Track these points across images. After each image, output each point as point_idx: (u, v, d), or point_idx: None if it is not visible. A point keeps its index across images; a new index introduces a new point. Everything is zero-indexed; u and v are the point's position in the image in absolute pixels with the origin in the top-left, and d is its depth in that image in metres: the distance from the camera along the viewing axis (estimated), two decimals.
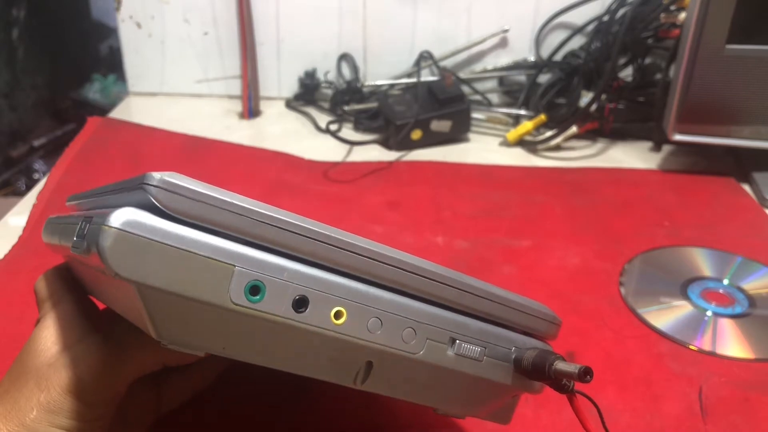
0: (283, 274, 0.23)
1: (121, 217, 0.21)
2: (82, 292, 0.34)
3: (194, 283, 0.22)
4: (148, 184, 0.22)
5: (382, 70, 0.95)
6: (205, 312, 0.23)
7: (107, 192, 0.26)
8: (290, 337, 0.24)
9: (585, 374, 0.27)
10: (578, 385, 0.29)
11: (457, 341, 0.28)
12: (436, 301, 0.28)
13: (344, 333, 0.25)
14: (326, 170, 0.76)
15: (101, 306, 0.34)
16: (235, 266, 0.23)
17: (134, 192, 0.23)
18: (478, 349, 0.28)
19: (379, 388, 0.27)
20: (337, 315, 0.25)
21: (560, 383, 0.29)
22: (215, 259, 0.22)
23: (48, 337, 0.31)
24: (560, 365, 0.28)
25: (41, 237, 0.35)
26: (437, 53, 0.92)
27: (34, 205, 0.66)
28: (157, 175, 0.22)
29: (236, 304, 0.23)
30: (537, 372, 0.29)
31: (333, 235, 0.25)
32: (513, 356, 0.30)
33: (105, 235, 0.21)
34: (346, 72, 0.95)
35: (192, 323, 0.23)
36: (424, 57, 0.92)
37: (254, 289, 0.23)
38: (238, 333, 0.24)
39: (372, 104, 0.89)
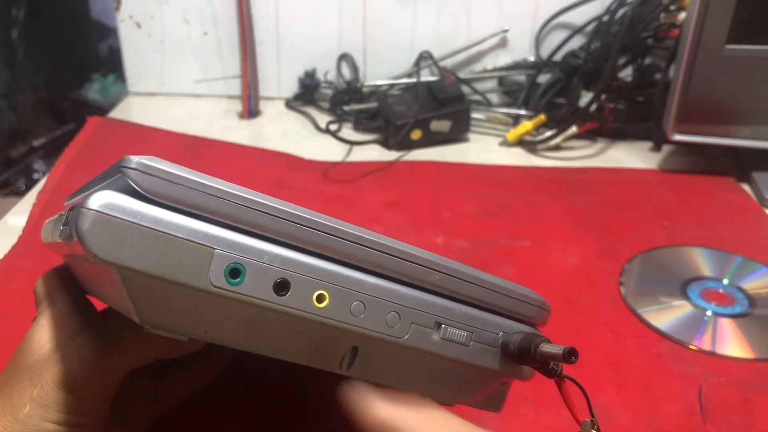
0: (264, 258, 0.23)
1: (99, 199, 0.21)
2: (79, 292, 0.34)
3: (173, 266, 0.22)
4: (127, 167, 0.22)
5: (382, 70, 0.95)
6: (186, 295, 0.23)
7: (94, 182, 0.26)
8: (272, 320, 0.24)
9: (570, 355, 0.26)
10: (566, 370, 0.29)
11: (443, 326, 0.27)
12: (422, 286, 0.27)
13: (327, 316, 0.24)
14: (326, 170, 0.76)
15: (100, 306, 0.34)
16: (214, 249, 0.22)
17: (115, 177, 0.23)
18: (465, 333, 0.28)
19: (365, 374, 0.27)
20: (320, 298, 0.24)
21: (548, 367, 0.28)
22: (194, 242, 0.22)
23: (42, 336, 0.31)
24: (546, 347, 0.27)
25: (40, 237, 0.35)
26: (437, 53, 0.92)
27: (34, 205, 0.66)
28: (135, 158, 0.22)
29: (216, 287, 0.22)
30: (523, 355, 0.28)
31: (314, 219, 0.25)
32: (500, 341, 0.29)
33: (83, 217, 0.21)
34: (346, 72, 0.95)
35: (173, 307, 0.23)
36: (424, 57, 0.92)
37: (234, 272, 0.23)
38: (220, 317, 0.24)
39: (372, 104, 0.89)
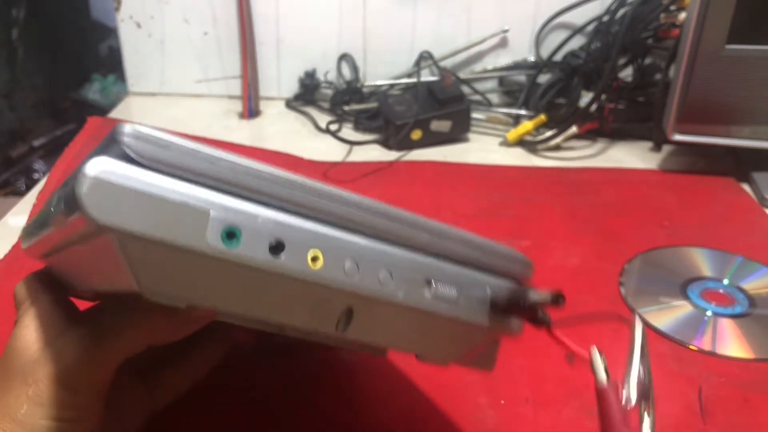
0: (258, 220, 0.24)
1: (96, 165, 0.21)
2: (61, 292, 0.34)
3: (171, 229, 0.22)
4: (121, 134, 0.22)
5: (382, 70, 0.95)
6: (184, 259, 0.23)
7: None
8: (269, 282, 0.25)
9: (558, 298, 0.28)
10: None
11: (433, 283, 0.28)
12: (412, 245, 0.28)
13: (321, 276, 0.25)
14: (326, 170, 0.76)
15: (83, 306, 0.34)
16: (210, 211, 0.23)
17: (108, 146, 0.23)
18: (455, 289, 0.29)
19: (361, 334, 0.28)
20: (314, 259, 0.25)
21: (537, 317, 0.30)
22: (191, 205, 0.23)
23: (28, 336, 0.31)
24: (534, 295, 0.29)
25: None
26: (437, 53, 0.92)
27: (34, 205, 0.66)
28: (128, 126, 0.22)
29: (213, 249, 0.23)
30: (513, 305, 0.30)
31: (307, 182, 0.25)
32: (489, 296, 0.30)
33: (81, 183, 0.21)
34: (346, 72, 0.95)
35: (172, 271, 0.23)
36: (424, 57, 0.92)
37: (230, 234, 0.23)
38: (218, 280, 0.24)
39: (372, 104, 0.89)
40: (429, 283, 0.28)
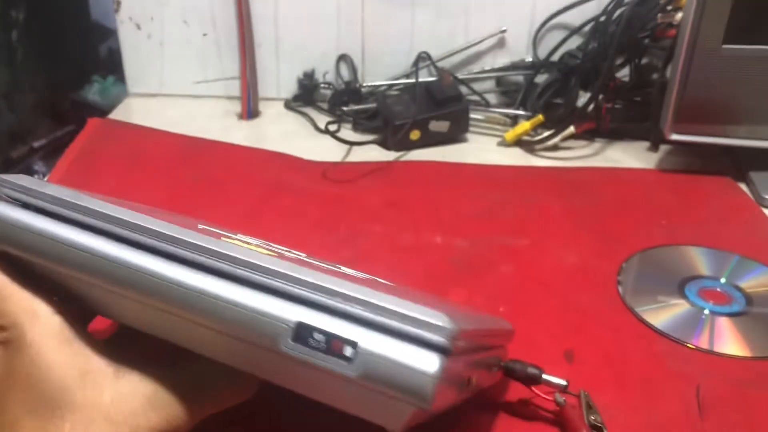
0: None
1: (440, 366, 0.27)
2: (66, 311, 0.32)
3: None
4: (449, 338, 0.27)
5: (381, 71, 0.95)
6: None
7: (376, 308, 0.28)
8: None
9: (565, 387, 0.40)
10: (565, 369, 0.40)
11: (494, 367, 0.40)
12: (485, 348, 0.37)
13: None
14: (325, 170, 0.76)
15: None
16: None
17: (426, 332, 0.27)
18: (496, 368, 0.40)
19: None
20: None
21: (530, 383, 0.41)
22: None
23: (61, 361, 0.30)
24: (547, 377, 0.41)
25: None
26: (435, 54, 0.93)
27: None
28: (451, 330, 0.27)
29: None
30: (529, 380, 0.41)
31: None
32: (503, 365, 0.41)
33: (427, 382, 0.26)
34: (345, 73, 0.96)
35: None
36: (422, 58, 0.93)
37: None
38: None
39: (370, 105, 0.89)
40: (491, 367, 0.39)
